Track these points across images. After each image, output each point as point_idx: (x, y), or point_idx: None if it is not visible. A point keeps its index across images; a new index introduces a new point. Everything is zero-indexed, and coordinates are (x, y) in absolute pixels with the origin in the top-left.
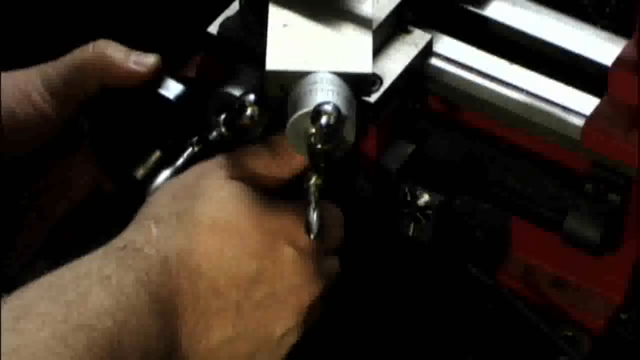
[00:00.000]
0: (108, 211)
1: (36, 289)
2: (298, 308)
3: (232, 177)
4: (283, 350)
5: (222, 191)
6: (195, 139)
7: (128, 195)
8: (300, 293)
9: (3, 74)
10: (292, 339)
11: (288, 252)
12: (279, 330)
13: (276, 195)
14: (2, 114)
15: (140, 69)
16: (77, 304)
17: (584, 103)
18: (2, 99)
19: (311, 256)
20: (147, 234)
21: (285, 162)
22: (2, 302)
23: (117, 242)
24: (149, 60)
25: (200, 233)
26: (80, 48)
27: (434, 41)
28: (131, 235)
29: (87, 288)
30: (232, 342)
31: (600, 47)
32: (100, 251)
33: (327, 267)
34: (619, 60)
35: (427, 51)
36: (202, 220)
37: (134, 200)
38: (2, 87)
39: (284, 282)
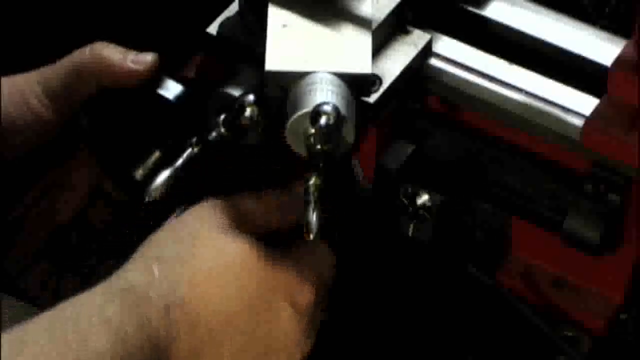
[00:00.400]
0: (110, 213)
1: (38, 322)
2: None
3: (234, 226)
4: None
5: (224, 242)
6: (194, 139)
7: (130, 197)
8: (293, 349)
9: (3, 79)
10: None
11: (286, 310)
12: None
13: (277, 240)
14: (1, 118)
15: (139, 67)
16: (76, 343)
17: (584, 103)
18: (1, 104)
19: (307, 314)
20: (149, 277)
21: (286, 211)
22: (2, 335)
23: (120, 281)
24: (147, 58)
25: (202, 282)
26: (78, 50)
27: (433, 41)
28: (133, 276)
29: (87, 328)
30: None
31: (600, 47)
32: (101, 287)
33: (319, 319)
34: (618, 60)
35: (427, 51)
36: (204, 269)
37: (135, 202)
38: (0, 91)
39: (280, 338)
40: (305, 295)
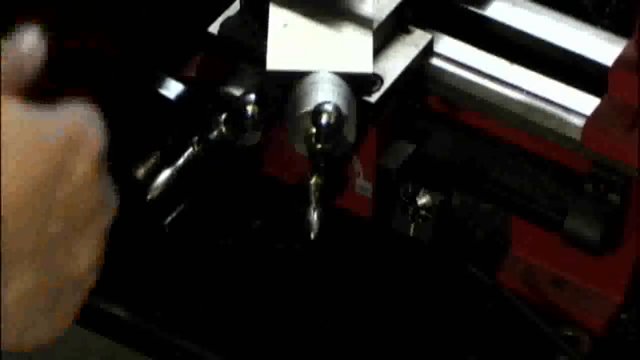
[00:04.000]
0: None
1: None
2: (99, 234)
3: None
4: (87, 285)
5: None
6: (195, 138)
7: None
8: (100, 217)
9: None
10: (96, 272)
11: (81, 168)
12: (82, 266)
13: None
14: None
15: None
16: None
17: (584, 103)
18: None
19: (104, 164)
20: None
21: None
22: None
23: None
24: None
25: None
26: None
27: (434, 41)
28: None
29: None
30: (33, 295)
31: (601, 47)
32: None
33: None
34: (619, 60)
35: (428, 51)
36: None
37: (133, 200)
38: None
39: (81, 207)
40: (94, 139)
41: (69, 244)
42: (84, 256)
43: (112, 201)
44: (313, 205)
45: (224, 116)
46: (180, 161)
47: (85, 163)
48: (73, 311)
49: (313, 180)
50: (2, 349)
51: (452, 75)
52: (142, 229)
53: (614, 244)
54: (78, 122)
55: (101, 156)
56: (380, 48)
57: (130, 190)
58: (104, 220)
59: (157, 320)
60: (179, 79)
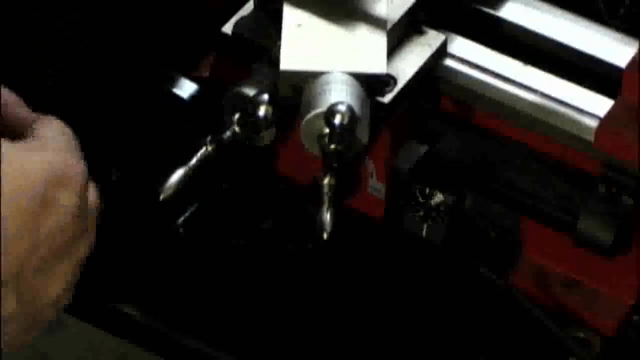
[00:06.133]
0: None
1: None
2: (76, 262)
3: None
4: (61, 306)
5: None
6: (208, 138)
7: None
8: (79, 245)
9: None
10: (67, 296)
11: (66, 200)
12: (59, 290)
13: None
14: None
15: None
16: None
17: (598, 104)
18: None
19: (86, 194)
20: None
21: None
22: None
23: None
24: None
25: None
26: None
27: (447, 42)
28: None
29: None
30: (15, 317)
31: (614, 49)
32: None
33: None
34: (633, 62)
35: (441, 52)
36: None
37: (146, 199)
38: None
39: (64, 236)
40: (78, 169)
41: (50, 269)
42: (61, 280)
43: (93, 229)
44: (325, 205)
45: (237, 116)
46: (193, 161)
47: (69, 195)
48: (46, 326)
49: (325, 181)
50: None
51: (466, 76)
52: (155, 229)
53: (626, 246)
54: (61, 156)
55: (84, 187)
56: (393, 48)
57: (143, 190)
58: (84, 247)
59: (168, 320)
60: (192, 78)
